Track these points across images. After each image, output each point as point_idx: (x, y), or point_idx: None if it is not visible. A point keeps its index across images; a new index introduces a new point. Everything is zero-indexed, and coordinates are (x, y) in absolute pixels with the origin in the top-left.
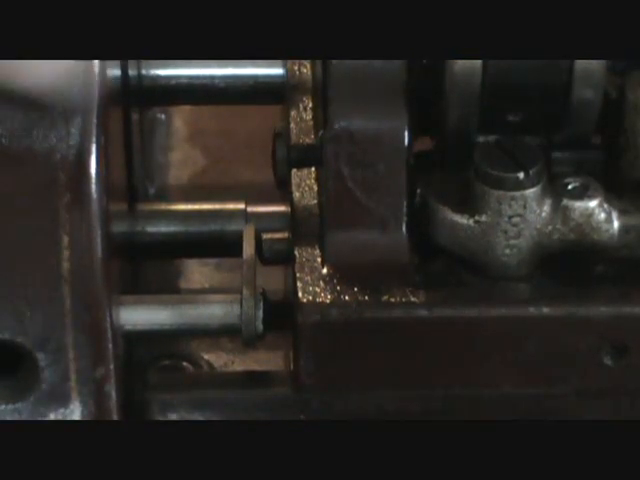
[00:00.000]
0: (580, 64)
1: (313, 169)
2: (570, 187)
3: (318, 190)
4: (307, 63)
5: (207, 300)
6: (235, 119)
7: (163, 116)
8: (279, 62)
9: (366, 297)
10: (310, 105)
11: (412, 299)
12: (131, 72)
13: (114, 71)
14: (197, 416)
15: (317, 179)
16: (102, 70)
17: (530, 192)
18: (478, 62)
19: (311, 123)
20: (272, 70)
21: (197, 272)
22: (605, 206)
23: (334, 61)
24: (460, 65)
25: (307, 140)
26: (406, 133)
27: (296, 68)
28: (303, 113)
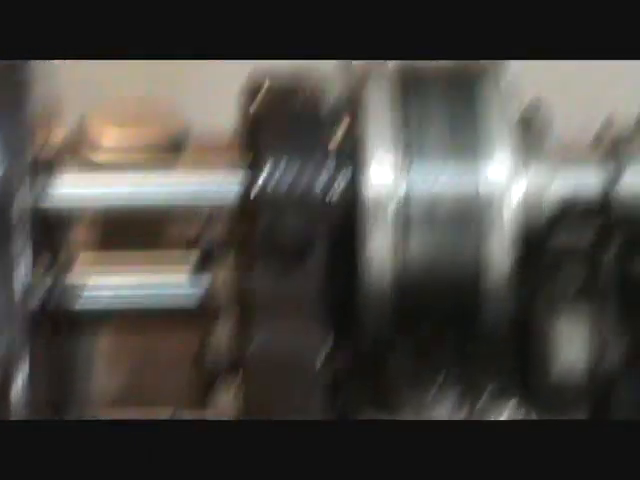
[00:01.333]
0: (489, 283)
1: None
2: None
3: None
4: (228, 283)
5: None
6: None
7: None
8: (199, 282)
9: None
10: (230, 324)
11: None
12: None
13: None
14: None
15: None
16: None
17: None
18: (390, 280)
19: (231, 342)
20: (192, 291)
21: None
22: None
23: (253, 278)
24: (374, 282)
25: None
26: (322, 353)
27: (217, 287)
28: (222, 332)
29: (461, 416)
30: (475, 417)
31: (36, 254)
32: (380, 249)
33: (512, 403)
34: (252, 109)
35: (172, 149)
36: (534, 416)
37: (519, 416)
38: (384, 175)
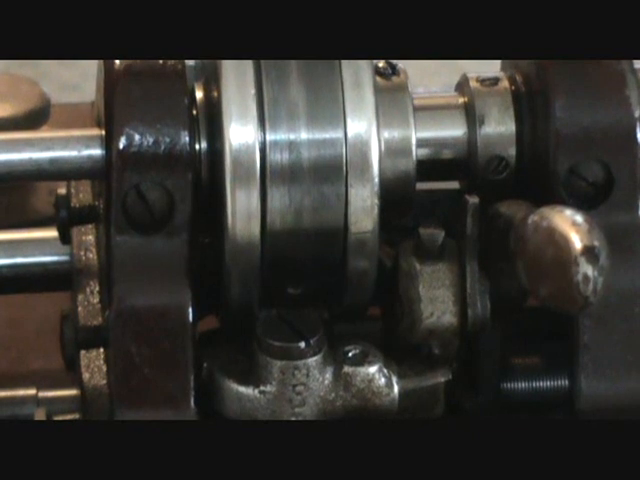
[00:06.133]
0: (353, 237)
1: (102, 350)
2: (350, 354)
3: (107, 370)
4: (93, 248)
5: None
6: (25, 308)
7: None
8: (66, 249)
9: None
10: (97, 289)
11: None
12: None
13: None
14: None
15: (106, 359)
16: None
17: (312, 361)
18: (257, 237)
19: (98, 306)
20: (60, 257)
21: None
22: (385, 371)
23: (116, 243)
24: (239, 241)
25: (95, 322)
26: (190, 309)
27: (82, 253)
28: (90, 296)
29: (327, 380)
30: (342, 380)
31: None
32: (244, 206)
33: (378, 365)
34: (109, 78)
35: (33, 122)
36: (398, 377)
37: (384, 377)
38: (244, 132)
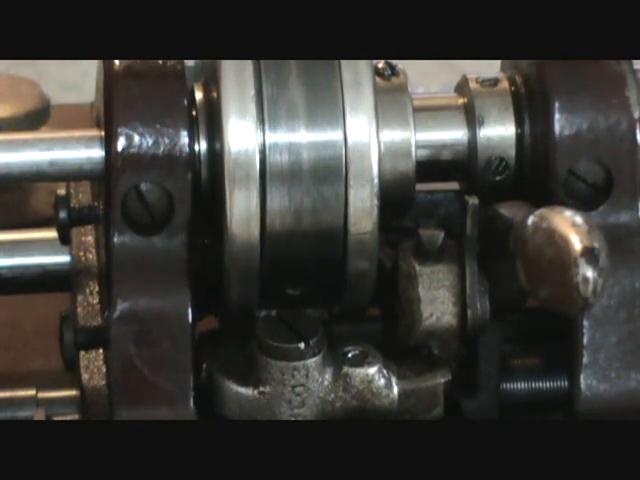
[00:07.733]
0: (353, 238)
1: (101, 351)
2: (350, 355)
3: (107, 371)
4: (93, 249)
5: None
6: (24, 308)
7: None
8: (65, 249)
9: None
10: (96, 289)
11: None
12: None
13: None
14: None
15: (105, 360)
16: None
17: (311, 362)
18: (257, 238)
19: (98, 307)
20: (59, 258)
21: None
22: (384, 372)
23: (116, 243)
24: (239, 242)
25: (94, 323)
26: (189, 310)
27: (82, 254)
28: (90, 297)
29: (327, 381)
30: (341, 380)
31: None
32: (244, 207)
33: (378, 365)
34: (108, 78)
35: (33, 123)
36: (398, 378)
37: (383, 378)
38: (244, 133)
